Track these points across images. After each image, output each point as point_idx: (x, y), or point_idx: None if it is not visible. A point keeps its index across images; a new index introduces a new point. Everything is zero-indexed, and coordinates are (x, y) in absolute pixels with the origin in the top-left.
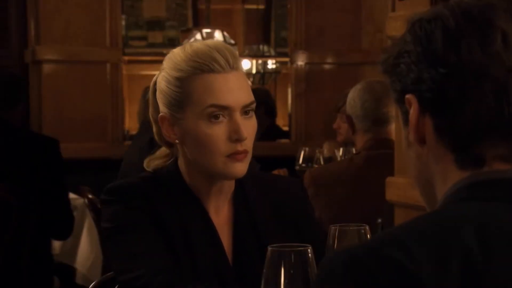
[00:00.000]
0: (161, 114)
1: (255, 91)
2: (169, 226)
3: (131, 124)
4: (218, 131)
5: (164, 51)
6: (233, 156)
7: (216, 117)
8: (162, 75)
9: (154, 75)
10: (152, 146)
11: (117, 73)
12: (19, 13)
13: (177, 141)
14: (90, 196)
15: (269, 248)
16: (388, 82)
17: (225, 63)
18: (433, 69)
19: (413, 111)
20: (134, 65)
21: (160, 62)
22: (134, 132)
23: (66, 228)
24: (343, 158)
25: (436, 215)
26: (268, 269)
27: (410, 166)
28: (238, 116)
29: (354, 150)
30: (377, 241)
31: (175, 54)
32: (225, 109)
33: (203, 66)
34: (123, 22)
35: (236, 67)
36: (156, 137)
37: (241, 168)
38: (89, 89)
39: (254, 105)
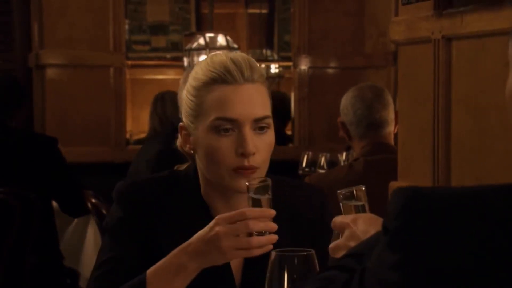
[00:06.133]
0: (180, 123)
1: (276, 93)
2: (166, 239)
3: (134, 128)
4: (226, 144)
5: (168, 56)
6: (239, 170)
7: (225, 130)
8: (187, 83)
9: (157, 79)
10: (159, 160)
11: (120, 77)
12: (23, 17)
13: (192, 151)
14: (93, 200)
15: (272, 253)
16: None
17: (239, 74)
18: None
19: None
20: (138, 69)
21: (163, 66)
22: (136, 136)
23: (78, 212)
24: (346, 162)
25: None
26: (271, 274)
27: None
28: (247, 130)
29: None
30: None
31: (199, 62)
32: (233, 122)
33: (216, 77)
34: (127, 27)
35: (252, 79)
36: (178, 145)
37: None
38: (92, 93)
39: (268, 120)
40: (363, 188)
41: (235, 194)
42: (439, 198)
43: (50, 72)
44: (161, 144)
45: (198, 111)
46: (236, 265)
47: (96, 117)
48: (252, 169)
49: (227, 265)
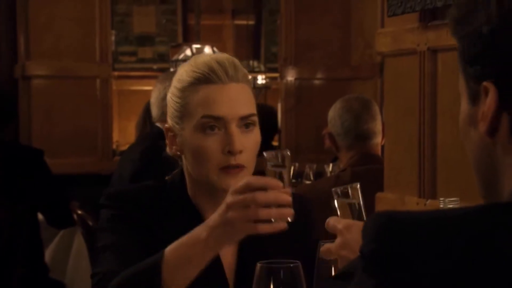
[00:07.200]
0: (166, 125)
1: (263, 106)
2: (160, 241)
3: (120, 139)
4: (212, 143)
5: (154, 67)
6: (226, 169)
7: (211, 128)
8: (171, 86)
9: (144, 90)
10: (142, 158)
11: (107, 89)
12: (9, 28)
13: (178, 153)
14: (79, 211)
15: (258, 264)
16: (457, 45)
17: (223, 74)
18: None
19: (490, 103)
20: (124, 80)
21: (150, 77)
22: (123, 147)
23: (63, 223)
24: (332, 173)
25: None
26: (258, 286)
27: (468, 146)
28: (234, 128)
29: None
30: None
31: (182, 65)
32: (219, 120)
33: (201, 77)
34: (113, 38)
35: (236, 78)
36: (167, 149)
37: (234, 183)
38: (78, 105)
39: (254, 118)
40: (358, 186)
41: (223, 193)
42: (413, 221)
43: (36, 83)
44: (147, 141)
45: (183, 112)
46: (229, 267)
47: (82, 128)
48: (240, 167)
49: (220, 268)
